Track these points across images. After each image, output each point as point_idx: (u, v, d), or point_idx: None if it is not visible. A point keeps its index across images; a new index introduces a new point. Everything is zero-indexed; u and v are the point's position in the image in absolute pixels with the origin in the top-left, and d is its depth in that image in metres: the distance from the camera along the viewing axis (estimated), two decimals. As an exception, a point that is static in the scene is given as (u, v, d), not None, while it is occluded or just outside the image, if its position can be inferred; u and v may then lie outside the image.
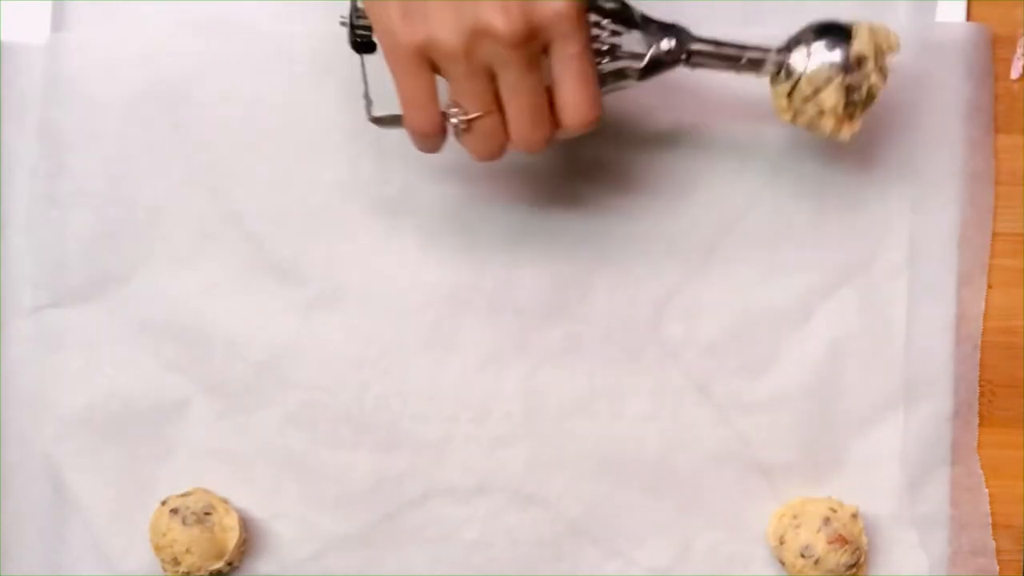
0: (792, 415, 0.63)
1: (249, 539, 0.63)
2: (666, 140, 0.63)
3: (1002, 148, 0.63)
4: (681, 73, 0.62)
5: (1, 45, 0.64)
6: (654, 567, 0.63)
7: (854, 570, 0.60)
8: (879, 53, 0.56)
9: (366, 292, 0.63)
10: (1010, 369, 0.63)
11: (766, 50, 0.57)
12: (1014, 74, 0.64)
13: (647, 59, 0.56)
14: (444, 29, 0.49)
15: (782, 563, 0.61)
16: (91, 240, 0.63)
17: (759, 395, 0.63)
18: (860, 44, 0.56)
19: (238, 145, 0.63)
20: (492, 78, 0.51)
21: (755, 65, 0.57)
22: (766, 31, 0.57)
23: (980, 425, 0.63)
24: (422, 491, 0.63)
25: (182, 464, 0.63)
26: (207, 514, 0.61)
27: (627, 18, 0.56)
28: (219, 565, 0.61)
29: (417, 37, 0.50)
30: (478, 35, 0.49)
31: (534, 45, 0.50)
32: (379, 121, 0.56)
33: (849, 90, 0.56)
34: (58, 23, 0.64)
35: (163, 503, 0.61)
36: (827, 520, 0.60)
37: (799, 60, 0.56)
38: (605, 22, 0.56)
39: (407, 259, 0.63)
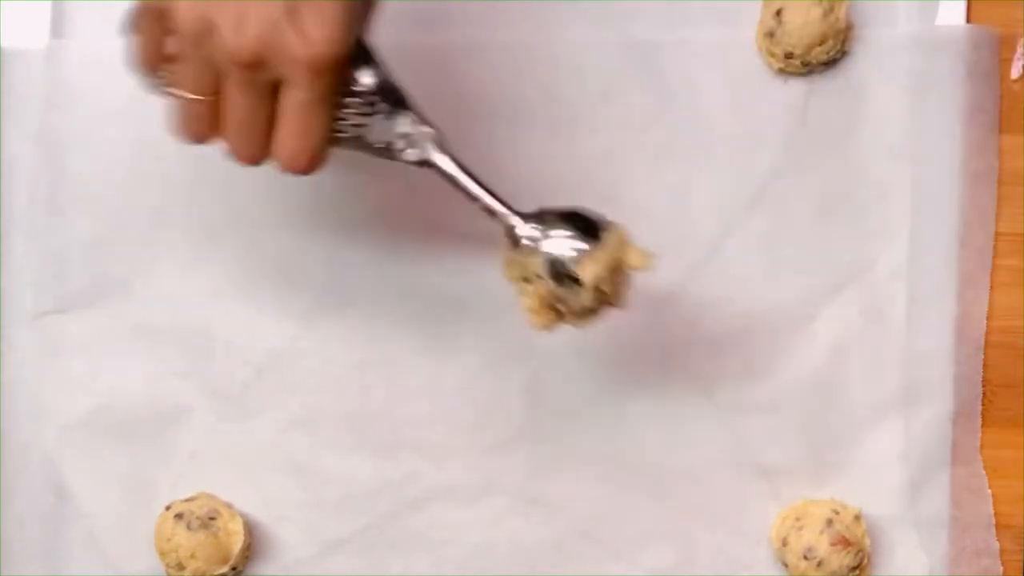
0: (794, 417, 0.63)
1: (252, 543, 0.63)
2: (666, 142, 0.63)
3: (1003, 148, 0.63)
4: (681, 75, 0.62)
5: (1, 51, 0.63)
6: (657, 569, 0.63)
7: (857, 572, 0.60)
8: (616, 270, 0.52)
9: (368, 296, 0.63)
10: (1010, 369, 0.63)
11: (503, 211, 0.52)
12: (1014, 74, 0.63)
13: (382, 145, 0.51)
14: (184, 6, 0.46)
15: (785, 565, 0.62)
16: (92, 245, 0.63)
17: (761, 397, 0.63)
18: (591, 268, 0.51)
19: (239, 149, 0.63)
20: (214, 72, 0.47)
21: (490, 214, 0.53)
22: None
23: (980, 425, 0.63)
24: (424, 494, 0.63)
25: (184, 468, 0.64)
26: (211, 519, 0.61)
27: (395, 99, 0.50)
28: (224, 570, 0.61)
29: None
30: (207, 32, 0.45)
31: (262, 74, 0.46)
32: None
33: (554, 297, 0.52)
34: (57, 29, 0.63)
35: (167, 508, 0.62)
36: (830, 522, 0.60)
37: (527, 233, 0.52)
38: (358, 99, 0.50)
39: (408, 263, 0.63)
